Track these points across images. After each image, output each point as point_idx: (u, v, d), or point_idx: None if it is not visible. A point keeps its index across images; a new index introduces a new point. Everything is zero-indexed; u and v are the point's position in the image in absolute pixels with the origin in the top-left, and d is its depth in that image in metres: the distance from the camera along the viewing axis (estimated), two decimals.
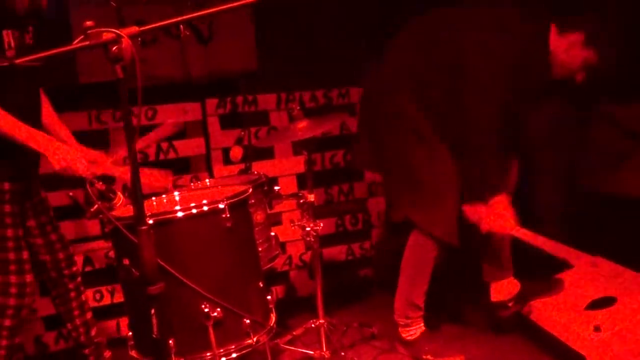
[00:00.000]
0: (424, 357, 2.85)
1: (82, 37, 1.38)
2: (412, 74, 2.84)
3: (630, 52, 3.01)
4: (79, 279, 2.79)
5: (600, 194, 3.32)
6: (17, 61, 1.44)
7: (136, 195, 1.55)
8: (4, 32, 2.36)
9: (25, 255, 2.51)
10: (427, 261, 2.87)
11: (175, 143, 3.54)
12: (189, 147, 3.59)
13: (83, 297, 2.80)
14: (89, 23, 1.37)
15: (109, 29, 1.38)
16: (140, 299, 2.21)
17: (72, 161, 2.34)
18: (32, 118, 2.50)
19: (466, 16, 2.87)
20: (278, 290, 3.68)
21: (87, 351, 2.80)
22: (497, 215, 2.74)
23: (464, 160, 2.81)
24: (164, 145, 3.52)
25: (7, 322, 2.48)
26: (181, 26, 4.80)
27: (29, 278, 2.51)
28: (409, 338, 2.90)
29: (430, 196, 2.84)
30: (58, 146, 2.37)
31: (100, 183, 2.30)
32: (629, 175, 3.19)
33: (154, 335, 1.64)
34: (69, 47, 1.38)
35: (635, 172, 3.12)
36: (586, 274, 3.06)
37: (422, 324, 2.91)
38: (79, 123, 3.25)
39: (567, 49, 2.74)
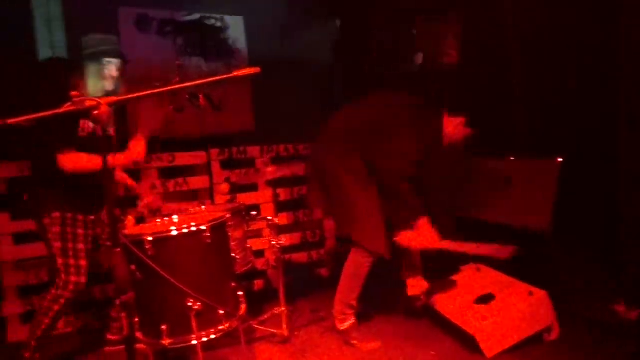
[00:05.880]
0: (352, 342, 2.56)
1: (69, 103, 1.19)
2: (346, 137, 2.60)
3: None
4: None
5: (475, 219, 3.17)
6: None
7: (113, 228, 1.34)
8: (81, 120, 2.24)
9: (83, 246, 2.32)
10: (362, 273, 2.57)
11: (189, 179, 3.32)
12: (197, 182, 3.36)
13: None
14: (74, 93, 1.19)
15: (91, 98, 1.19)
16: (141, 296, 2.00)
17: None
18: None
19: (393, 98, 2.69)
20: (259, 283, 3.44)
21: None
22: (424, 235, 2.54)
23: (388, 196, 2.55)
24: (180, 180, 3.30)
25: (67, 294, 2.26)
26: (201, 96, 4.62)
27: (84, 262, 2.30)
28: (341, 328, 2.60)
29: (366, 221, 2.54)
30: None
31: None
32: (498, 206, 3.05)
33: (124, 334, 1.39)
34: (57, 111, 1.18)
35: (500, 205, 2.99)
36: (472, 276, 2.91)
37: (354, 318, 2.61)
38: None
39: (455, 125, 2.65)
